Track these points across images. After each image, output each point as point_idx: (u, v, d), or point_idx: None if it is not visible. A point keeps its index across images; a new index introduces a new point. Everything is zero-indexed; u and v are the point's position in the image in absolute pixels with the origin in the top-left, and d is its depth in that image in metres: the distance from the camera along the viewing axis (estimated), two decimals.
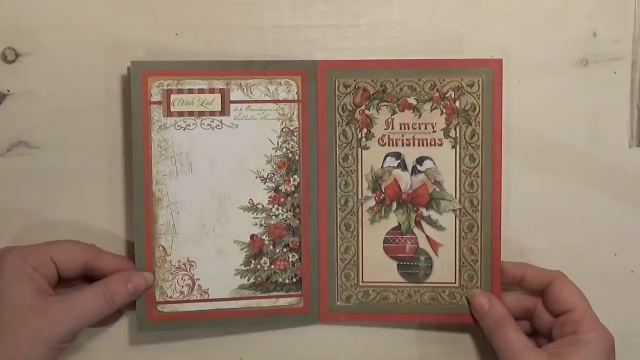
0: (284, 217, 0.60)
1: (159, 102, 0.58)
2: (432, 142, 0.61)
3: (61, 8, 0.59)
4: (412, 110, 0.61)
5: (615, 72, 0.63)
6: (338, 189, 0.61)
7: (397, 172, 0.61)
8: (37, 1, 0.59)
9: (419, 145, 0.61)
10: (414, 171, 0.61)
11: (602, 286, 0.63)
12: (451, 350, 0.64)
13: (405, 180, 0.61)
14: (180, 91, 0.58)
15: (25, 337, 0.52)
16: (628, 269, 0.64)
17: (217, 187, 0.59)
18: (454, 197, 0.61)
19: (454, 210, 0.61)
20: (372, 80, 0.60)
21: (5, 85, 0.59)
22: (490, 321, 0.58)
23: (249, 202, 0.60)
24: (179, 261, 0.59)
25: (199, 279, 0.60)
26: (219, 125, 0.59)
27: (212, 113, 0.59)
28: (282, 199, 0.60)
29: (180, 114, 0.59)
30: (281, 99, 0.60)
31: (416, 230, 0.62)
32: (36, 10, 0.59)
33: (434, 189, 0.61)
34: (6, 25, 0.59)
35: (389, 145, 0.61)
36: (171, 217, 0.59)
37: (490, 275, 0.61)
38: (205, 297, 0.60)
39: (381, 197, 0.61)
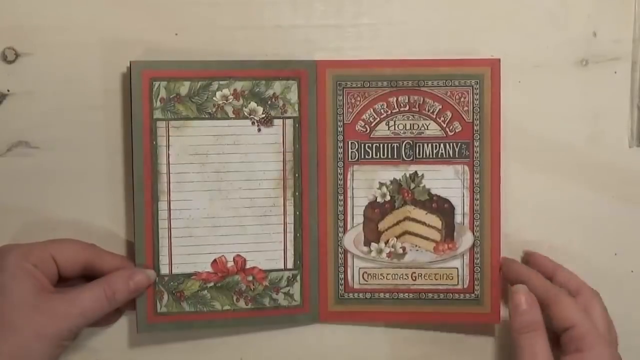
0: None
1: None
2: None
3: (61, 8, 0.59)
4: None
5: (615, 72, 0.63)
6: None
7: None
8: (37, 1, 0.59)
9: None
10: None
11: (602, 286, 0.63)
12: (451, 350, 0.64)
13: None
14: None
15: (28, 334, 0.52)
16: (628, 269, 0.64)
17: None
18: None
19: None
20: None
21: (5, 85, 0.59)
22: (524, 322, 0.56)
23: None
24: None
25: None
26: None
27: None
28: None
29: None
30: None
31: None
32: (36, 10, 0.59)
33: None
34: (6, 25, 0.59)
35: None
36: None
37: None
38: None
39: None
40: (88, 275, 0.57)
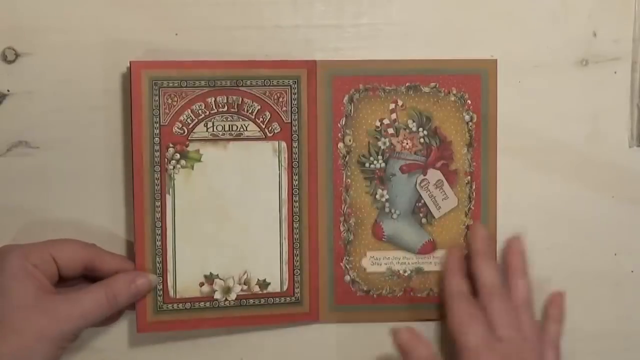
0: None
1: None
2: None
3: (61, 8, 0.59)
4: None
5: (615, 72, 0.63)
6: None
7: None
8: (37, 1, 0.59)
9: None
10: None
11: (602, 286, 0.63)
12: (450, 349, 0.64)
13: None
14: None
15: (29, 335, 0.52)
16: (628, 269, 0.64)
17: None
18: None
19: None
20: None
21: (5, 85, 0.59)
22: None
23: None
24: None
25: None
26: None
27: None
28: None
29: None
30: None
31: None
32: (36, 10, 0.59)
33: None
34: (6, 25, 0.59)
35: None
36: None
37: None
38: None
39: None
40: (88, 276, 0.57)
